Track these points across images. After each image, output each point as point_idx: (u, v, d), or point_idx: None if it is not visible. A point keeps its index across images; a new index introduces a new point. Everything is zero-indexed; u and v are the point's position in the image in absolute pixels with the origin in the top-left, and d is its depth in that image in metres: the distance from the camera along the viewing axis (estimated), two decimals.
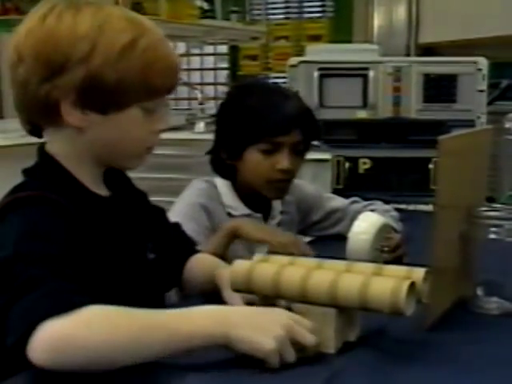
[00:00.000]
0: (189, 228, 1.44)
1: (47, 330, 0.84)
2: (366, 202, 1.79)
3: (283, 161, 1.57)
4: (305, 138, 1.60)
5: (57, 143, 1.09)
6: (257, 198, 1.64)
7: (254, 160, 1.58)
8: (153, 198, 1.30)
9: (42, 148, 1.10)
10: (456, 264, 1.12)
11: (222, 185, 1.65)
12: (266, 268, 1.05)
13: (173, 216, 1.51)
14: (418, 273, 1.00)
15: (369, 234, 1.39)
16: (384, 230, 1.43)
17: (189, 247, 1.33)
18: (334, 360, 0.95)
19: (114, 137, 1.08)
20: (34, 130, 1.11)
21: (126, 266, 1.11)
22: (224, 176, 1.65)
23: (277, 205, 1.70)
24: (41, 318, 0.85)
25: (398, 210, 1.79)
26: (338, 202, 1.81)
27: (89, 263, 1.01)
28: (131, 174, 1.26)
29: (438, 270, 1.03)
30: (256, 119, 1.56)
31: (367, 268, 1.04)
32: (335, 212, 1.78)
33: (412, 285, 0.94)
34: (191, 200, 1.60)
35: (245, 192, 1.64)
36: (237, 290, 1.08)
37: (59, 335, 0.85)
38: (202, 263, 1.30)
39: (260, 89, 1.68)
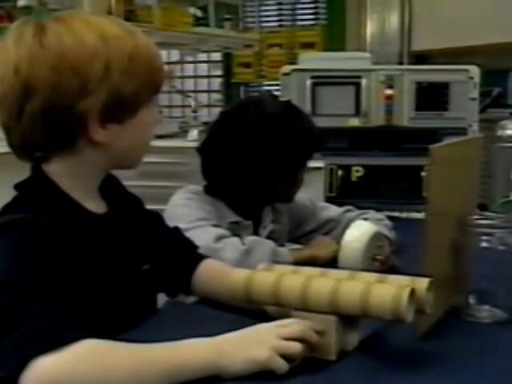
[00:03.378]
0: (201, 208, 1.51)
1: (39, 367, 0.82)
2: (359, 211, 1.78)
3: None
4: None
5: (57, 162, 1.07)
6: (247, 206, 1.63)
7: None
8: (145, 206, 1.30)
9: (37, 165, 1.08)
10: (448, 272, 1.12)
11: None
12: (265, 276, 1.05)
13: (172, 209, 1.54)
14: (421, 283, 0.99)
15: (361, 243, 1.39)
16: (376, 238, 1.43)
17: (195, 252, 1.32)
18: (329, 368, 0.95)
19: (132, 141, 1.09)
20: (26, 156, 1.09)
21: (122, 280, 1.11)
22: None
23: (267, 214, 1.69)
24: (32, 355, 0.82)
25: (390, 217, 1.79)
26: (332, 211, 1.80)
27: (84, 283, 0.99)
28: (124, 182, 1.25)
29: (429, 277, 1.03)
30: (309, 137, 1.60)
31: (370, 277, 1.04)
32: (329, 222, 1.78)
33: (412, 292, 0.95)
34: (184, 196, 1.58)
35: (235, 200, 1.62)
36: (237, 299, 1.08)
37: (51, 373, 0.82)
38: (212, 270, 1.29)
39: (296, 112, 1.65)
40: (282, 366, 0.90)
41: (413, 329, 1.03)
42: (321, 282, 1.00)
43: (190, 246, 1.33)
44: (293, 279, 1.02)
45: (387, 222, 1.74)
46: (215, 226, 1.50)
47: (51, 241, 0.97)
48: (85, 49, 1.00)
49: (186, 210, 1.53)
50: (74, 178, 1.07)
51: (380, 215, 1.76)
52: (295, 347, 0.92)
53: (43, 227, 0.98)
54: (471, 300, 1.13)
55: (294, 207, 1.75)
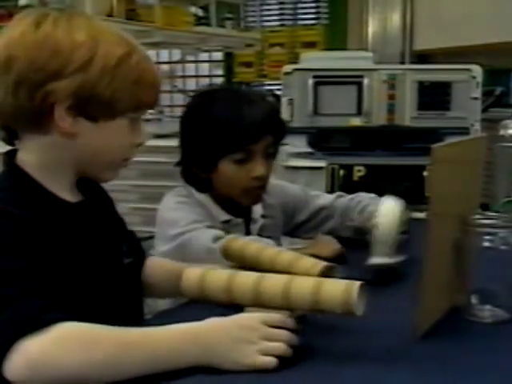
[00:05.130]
0: (194, 211, 1.50)
1: (24, 349, 0.85)
2: (350, 196, 1.77)
3: (258, 168, 1.55)
4: (275, 140, 1.59)
5: (30, 151, 1.08)
6: (235, 205, 1.62)
7: (228, 171, 1.55)
8: (147, 205, 1.30)
9: (7, 157, 1.09)
10: (449, 272, 1.11)
11: (200, 195, 1.62)
12: (218, 274, 1.07)
13: (165, 213, 1.53)
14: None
15: (395, 216, 1.40)
16: (403, 213, 1.44)
17: (142, 253, 1.31)
18: (330, 368, 0.95)
19: (100, 144, 1.08)
20: (7, 136, 1.10)
21: (102, 271, 1.11)
22: (199, 188, 1.62)
23: (257, 209, 1.68)
24: (14, 338, 0.85)
25: None
26: (324, 199, 1.79)
27: (61, 273, 1.00)
28: (122, 182, 1.25)
29: (431, 277, 1.03)
30: (226, 130, 1.52)
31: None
32: (322, 210, 1.76)
33: (362, 286, 0.98)
34: (175, 200, 1.57)
35: (222, 199, 1.62)
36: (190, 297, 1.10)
37: (38, 354, 0.85)
38: (160, 266, 1.30)
39: (222, 96, 1.62)
40: (270, 363, 0.92)
41: (413, 328, 1.03)
42: (274, 278, 1.03)
43: (141, 248, 1.33)
44: (245, 276, 1.05)
45: (378, 200, 1.74)
46: (210, 227, 1.49)
47: (22, 231, 0.97)
48: (74, 38, 1.03)
49: (179, 213, 1.53)
50: (47, 170, 1.08)
51: (371, 194, 1.76)
52: (280, 348, 0.93)
53: (14, 218, 0.98)
54: (473, 300, 1.13)
55: (285, 199, 1.75)
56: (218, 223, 1.57)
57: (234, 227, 1.61)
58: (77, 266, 1.04)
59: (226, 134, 1.53)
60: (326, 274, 1.13)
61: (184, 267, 1.13)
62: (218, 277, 1.06)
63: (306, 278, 1.03)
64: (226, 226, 1.59)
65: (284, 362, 0.93)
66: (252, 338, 0.93)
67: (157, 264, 1.31)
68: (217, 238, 1.43)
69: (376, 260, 1.36)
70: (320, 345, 1.02)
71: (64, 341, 0.87)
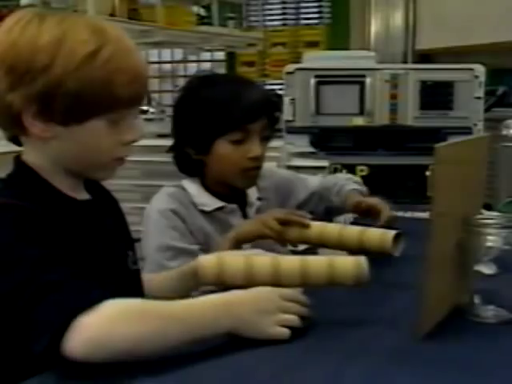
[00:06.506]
0: (171, 236, 1.49)
1: (80, 328, 0.90)
2: (331, 177, 1.89)
3: (255, 148, 1.57)
4: (270, 123, 1.61)
5: (30, 152, 1.09)
6: (229, 189, 1.62)
7: (225, 151, 1.56)
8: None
9: (17, 157, 1.11)
10: (452, 272, 1.11)
11: (190, 185, 1.63)
12: (235, 258, 1.14)
13: (149, 227, 1.54)
14: None
15: None
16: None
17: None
18: (330, 368, 0.94)
19: (77, 149, 1.07)
20: (14, 137, 1.11)
21: (106, 271, 1.11)
22: (191, 173, 1.64)
23: (252, 192, 1.69)
24: (70, 318, 0.90)
25: None
26: (313, 182, 1.85)
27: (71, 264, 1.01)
28: (124, 181, 1.25)
29: (434, 277, 1.02)
30: (224, 109, 1.54)
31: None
32: (314, 193, 1.81)
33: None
34: (162, 207, 1.56)
35: (216, 185, 1.62)
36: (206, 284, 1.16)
37: (93, 332, 0.90)
38: (161, 277, 1.32)
39: (220, 79, 1.67)
40: (285, 334, 1.02)
41: (416, 328, 1.03)
42: (289, 258, 1.15)
43: None
44: (262, 258, 1.14)
45: (356, 178, 1.86)
46: (183, 249, 1.50)
47: (35, 223, 0.99)
48: (36, 42, 1.01)
49: (157, 232, 1.53)
50: (48, 169, 1.09)
51: (348, 175, 1.90)
52: (294, 321, 1.03)
53: (24, 211, 1.00)
54: (476, 300, 1.13)
55: (279, 181, 1.78)
56: (201, 234, 1.57)
57: (230, 214, 1.62)
58: (83, 260, 1.04)
59: (224, 114, 1.54)
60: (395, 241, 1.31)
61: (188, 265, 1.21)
62: (235, 261, 1.13)
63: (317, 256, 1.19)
64: (221, 215, 1.60)
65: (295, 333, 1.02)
66: (272, 309, 1.02)
67: (155, 277, 1.32)
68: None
69: None
70: (320, 345, 1.02)
71: (116, 317, 0.93)
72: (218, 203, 1.61)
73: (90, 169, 1.12)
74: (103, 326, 0.91)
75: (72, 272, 0.96)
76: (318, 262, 1.14)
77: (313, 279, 1.13)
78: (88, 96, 1.02)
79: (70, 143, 1.06)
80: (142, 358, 0.93)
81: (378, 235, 1.40)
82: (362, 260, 1.12)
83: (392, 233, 1.39)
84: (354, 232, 1.43)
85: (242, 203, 1.66)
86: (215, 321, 0.99)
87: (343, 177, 1.85)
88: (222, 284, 1.12)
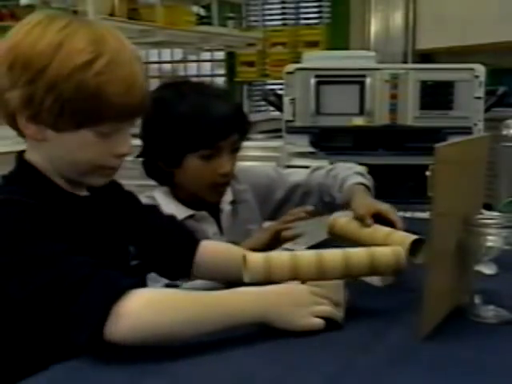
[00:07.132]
0: None
1: (120, 315, 0.94)
2: (328, 167, 1.76)
3: (225, 165, 1.56)
4: (240, 136, 1.59)
5: (31, 150, 1.11)
6: (199, 199, 1.61)
7: (195, 167, 1.55)
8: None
9: (19, 155, 1.13)
10: (453, 272, 1.11)
11: (160, 195, 1.61)
12: (281, 256, 1.17)
13: None
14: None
15: None
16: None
17: (191, 236, 1.34)
18: (329, 368, 0.94)
19: (65, 154, 1.08)
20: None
21: (107, 266, 1.11)
22: (161, 182, 1.62)
23: (225, 197, 1.66)
24: (109, 306, 0.94)
25: None
26: (298, 175, 1.76)
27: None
28: (124, 181, 1.26)
29: (434, 278, 1.02)
30: (195, 127, 1.51)
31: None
32: (297, 187, 1.74)
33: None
34: None
35: (186, 195, 1.61)
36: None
37: (134, 318, 0.95)
38: (215, 250, 1.33)
39: (190, 91, 1.58)
40: (319, 325, 1.06)
41: (417, 328, 1.02)
42: (331, 252, 1.17)
43: (186, 230, 1.36)
44: (306, 253, 1.18)
45: (358, 168, 1.73)
46: None
47: (37, 218, 1.01)
48: (34, 47, 1.03)
49: None
50: (48, 166, 1.10)
51: (349, 164, 1.75)
52: (327, 311, 1.08)
53: (26, 206, 1.02)
54: (476, 300, 1.12)
55: (256, 181, 1.73)
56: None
57: (202, 221, 1.61)
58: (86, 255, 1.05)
59: (194, 131, 1.52)
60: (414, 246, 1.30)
61: (238, 253, 1.22)
62: (282, 258, 1.16)
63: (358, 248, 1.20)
64: (193, 223, 1.57)
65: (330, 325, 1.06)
66: (307, 302, 1.07)
67: (209, 247, 1.33)
68: None
69: None
70: (320, 345, 1.02)
71: (154, 304, 0.99)
72: (186, 212, 1.59)
73: (79, 174, 1.12)
74: (142, 312, 0.96)
75: (96, 263, 0.99)
76: (360, 254, 1.17)
77: (355, 270, 1.16)
78: (79, 104, 1.03)
79: (60, 149, 1.08)
80: (181, 341, 0.99)
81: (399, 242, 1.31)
82: (400, 248, 1.19)
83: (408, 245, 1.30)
84: (380, 234, 1.39)
85: (214, 209, 1.64)
86: (243, 311, 1.03)
87: (344, 166, 1.72)
88: (269, 279, 1.13)
